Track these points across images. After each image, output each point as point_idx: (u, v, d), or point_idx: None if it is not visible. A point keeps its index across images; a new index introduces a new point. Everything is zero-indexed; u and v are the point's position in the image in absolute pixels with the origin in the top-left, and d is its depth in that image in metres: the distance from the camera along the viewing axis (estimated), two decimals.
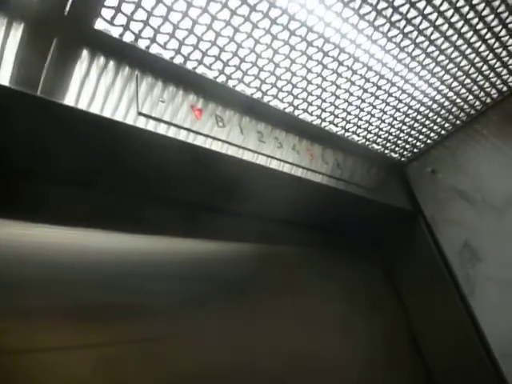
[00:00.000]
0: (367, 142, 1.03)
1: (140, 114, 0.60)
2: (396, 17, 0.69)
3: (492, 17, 0.75)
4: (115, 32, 0.60)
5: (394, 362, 1.02)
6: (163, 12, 0.58)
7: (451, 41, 0.77)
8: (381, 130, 0.99)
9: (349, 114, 0.90)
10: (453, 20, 0.73)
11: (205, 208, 0.83)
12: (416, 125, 1.01)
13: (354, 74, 0.80)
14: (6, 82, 0.48)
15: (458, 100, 0.96)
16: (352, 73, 0.79)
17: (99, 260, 0.65)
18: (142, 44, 0.63)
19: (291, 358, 0.80)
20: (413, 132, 1.03)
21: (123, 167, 0.68)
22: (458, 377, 0.99)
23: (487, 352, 0.92)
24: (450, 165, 1.07)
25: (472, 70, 0.87)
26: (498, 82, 0.93)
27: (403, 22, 0.71)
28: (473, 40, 0.79)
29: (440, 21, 0.72)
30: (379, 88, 0.85)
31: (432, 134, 1.07)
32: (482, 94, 0.96)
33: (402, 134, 1.03)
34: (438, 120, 1.02)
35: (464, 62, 0.84)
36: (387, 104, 0.91)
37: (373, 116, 0.93)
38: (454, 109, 0.99)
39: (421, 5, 0.68)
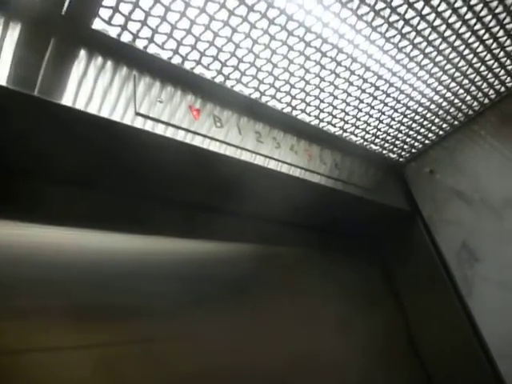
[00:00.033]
0: (365, 143, 1.03)
1: (138, 114, 0.60)
2: (394, 17, 0.69)
3: (490, 17, 0.75)
4: (113, 32, 0.60)
5: (391, 361, 1.02)
6: (161, 12, 0.58)
7: (449, 41, 0.78)
8: (379, 130, 0.99)
9: (347, 114, 0.90)
10: (451, 21, 0.73)
11: (203, 208, 0.83)
12: (414, 125, 1.01)
13: (352, 75, 0.80)
14: (3, 81, 0.48)
15: (456, 100, 0.96)
16: (350, 73, 0.79)
17: (98, 260, 0.65)
18: (139, 44, 0.63)
19: (291, 358, 0.80)
20: (411, 132, 1.04)
21: (121, 167, 0.68)
22: (456, 377, 0.99)
23: (485, 352, 0.92)
24: (447, 165, 1.08)
25: (470, 70, 0.87)
26: (496, 82, 0.93)
27: (401, 23, 0.71)
28: (471, 41, 0.79)
29: (438, 21, 0.73)
30: (377, 88, 0.85)
31: (430, 135, 1.07)
32: (480, 94, 0.96)
33: (400, 135, 1.03)
34: (436, 120, 1.02)
35: (462, 63, 0.84)
36: (385, 104, 0.91)
37: (371, 116, 0.94)
38: (452, 109, 0.99)
39: (419, 5, 0.69)
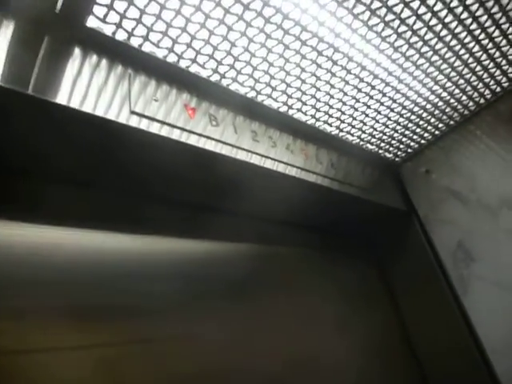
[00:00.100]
0: (361, 142, 1.03)
1: (133, 112, 0.59)
2: (390, 16, 0.69)
3: (485, 17, 0.75)
4: (108, 30, 0.60)
5: (388, 361, 1.02)
6: (156, 10, 0.58)
7: (445, 41, 0.78)
8: (375, 130, 0.99)
9: (343, 113, 0.90)
10: (446, 20, 0.73)
11: (201, 208, 0.83)
12: (410, 125, 1.01)
13: (348, 74, 0.80)
14: None
15: (452, 100, 0.96)
16: (346, 72, 0.79)
17: (97, 260, 0.65)
18: (134, 42, 0.62)
19: (290, 357, 0.80)
20: (407, 132, 1.04)
21: (117, 166, 0.67)
22: (452, 376, 0.99)
23: (481, 352, 0.92)
24: (443, 165, 1.08)
25: (465, 70, 0.87)
26: (492, 82, 0.94)
27: (397, 22, 0.71)
28: (466, 40, 0.79)
29: (434, 21, 0.73)
30: (373, 88, 0.85)
31: (426, 135, 1.07)
32: (476, 94, 0.96)
33: (396, 134, 1.03)
34: (432, 120, 1.02)
35: (458, 63, 0.84)
36: (381, 104, 0.91)
37: (367, 116, 0.94)
38: (448, 109, 0.99)
39: (415, 5, 0.69)
